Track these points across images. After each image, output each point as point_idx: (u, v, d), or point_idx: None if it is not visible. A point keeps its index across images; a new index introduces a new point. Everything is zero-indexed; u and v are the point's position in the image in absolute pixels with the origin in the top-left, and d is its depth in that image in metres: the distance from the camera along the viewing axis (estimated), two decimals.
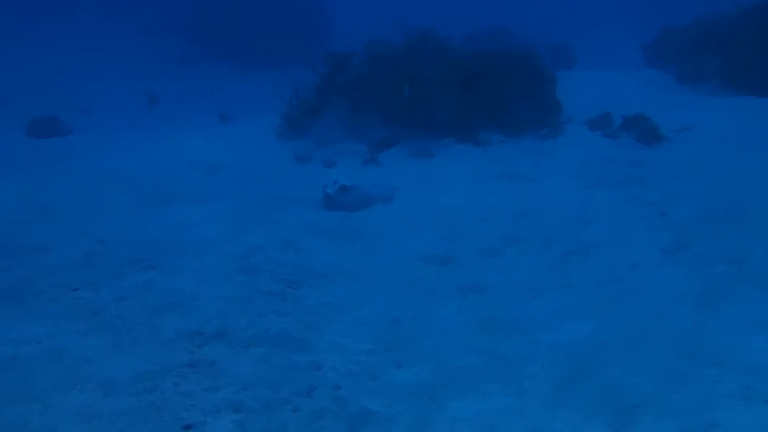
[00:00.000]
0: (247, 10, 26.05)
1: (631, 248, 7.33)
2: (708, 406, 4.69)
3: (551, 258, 7.22)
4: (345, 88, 12.10)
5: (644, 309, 6.06)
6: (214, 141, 12.09)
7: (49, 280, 6.81)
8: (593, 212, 8.34)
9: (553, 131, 11.63)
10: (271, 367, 5.30)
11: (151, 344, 5.60)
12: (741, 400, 4.73)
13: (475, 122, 11.44)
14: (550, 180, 9.62)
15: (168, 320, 5.97)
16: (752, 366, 5.08)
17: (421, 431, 4.57)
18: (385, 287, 6.65)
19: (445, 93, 11.38)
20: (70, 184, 9.82)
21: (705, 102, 13.26)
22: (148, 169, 10.66)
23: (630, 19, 26.78)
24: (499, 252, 7.40)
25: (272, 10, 26.12)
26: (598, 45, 26.30)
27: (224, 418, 4.70)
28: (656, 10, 25.31)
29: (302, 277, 6.85)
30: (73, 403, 4.82)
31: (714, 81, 14.93)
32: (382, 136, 11.28)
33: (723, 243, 7.28)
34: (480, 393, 4.95)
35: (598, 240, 7.56)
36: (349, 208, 8.65)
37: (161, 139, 12.37)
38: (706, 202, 8.37)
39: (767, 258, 6.88)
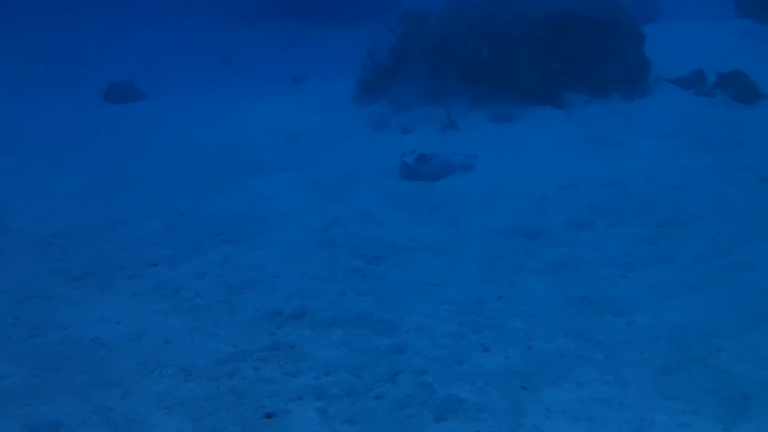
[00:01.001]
0: None
1: (732, 218, 6.85)
2: None
3: (646, 230, 6.79)
4: (422, 50, 11.71)
5: (753, 285, 5.62)
6: (290, 106, 11.92)
7: (130, 255, 6.80)
8: (688, 179, 7.86)
9: (641, 90, 11.04)
10: (352, 350, 5.10)
11: (231, 325, 5.47)
12: None
13: (559, 82, 10.94)
14: (640, 143, 9.13)
15: (248, 299, 5.84)
16: None
17: (514, 423, 4.29)
18: (469, 263, 6.35)
19: (527, 53, 10.89)
20: (150, 153, 9.83)
21: None
22: (226, 136, 10.56)
23: None
24: (589, 224, 7.00)
25: None
26: None
27: (307, 406, 4.52)
28: None
29: (382, 253, 6.62)
30: (154, 388, 4.72)
31: None
32: (461, 99, 10.90)
33: None
34: (574, 381, 4.63)
35: (695, 209, 7.10)
36: (428, 178, 8.36)
37: (237, 104, 12.26)
38: None
39: None
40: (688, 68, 11.63)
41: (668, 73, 11.67)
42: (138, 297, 5.98)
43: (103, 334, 5.40)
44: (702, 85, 11.04)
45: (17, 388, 4.74)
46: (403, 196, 7.91)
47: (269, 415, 4.46)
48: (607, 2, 12.31)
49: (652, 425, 4.18)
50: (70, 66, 18.08)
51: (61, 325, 5.55)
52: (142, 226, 7.44)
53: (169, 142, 10.27)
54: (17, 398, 4.62)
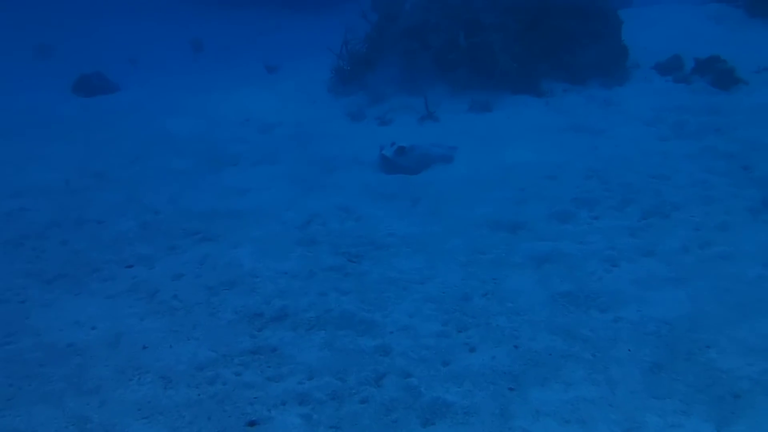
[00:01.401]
0: None
1: (716, 208, 6.82)
2: None
3: (629, 221, 6.75)
4: (398, 38, 11.59)
5: (737, 276, 5.61)
6: (265, 96, 11.78)
7: (105, 255, 6.63)
8: (670, 167, 7.82)
9: (619, 77, 11.03)
10: (336, 352, 5.01)
11: (211, 328, 5.36)
12: None
13: (537, 69, 10.86)
14: (619, 131, 9.10)
15: (227, 300, 5.72)
16: None
17: (503, 426, 4.24)
18: (451, 259, 6.27)
19: (504, 40, 10.79)
20: (122, 147, 9.63)
21: None
22: (200, 128, 10.40)
23: None
24: (572, 215, 6.95)
25: None
26: None
27: (290, 412, 4.44)
28: None
29: (363, 249, 6.51)
30: (132, 396, 4.61)
31: None
32: (438, 88, 10.80)
33: None
34: (563, 381, 4.58)
35: (677, 199, 7.07)
36: (408, 171, 8.26)
37: (211, 95, 12.09)
38: None
39: None
40: (665, 54, 11.62)
41: (645, 59, 11.66)
42: (114, 300, 5.83)
43: (78, 339, 5.26)
44: (680, 71, 11.03)
45: None
46: (383, 190, 7.80)
47: (252, 423, 4.37)
48: None
49: (643, 426, 4.14)
50: (37, 55, 17.72)
51: (34, 331, 5.40)
52: (116, 224, 7.26)
53: (142, 135, 10.07)
54: None
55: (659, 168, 7.83)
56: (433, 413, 4.39)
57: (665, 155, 8.18)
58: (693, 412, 4.24)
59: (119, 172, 8.77)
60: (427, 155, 8.42)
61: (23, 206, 7.72)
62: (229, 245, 6.71)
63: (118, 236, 7.00)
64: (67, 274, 6.28)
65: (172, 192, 8.07)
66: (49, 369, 4.93)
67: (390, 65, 11.53)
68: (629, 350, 4.82)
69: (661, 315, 5.18)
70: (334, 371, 4.80)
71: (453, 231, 6.79)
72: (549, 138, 9.07)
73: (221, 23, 21.88)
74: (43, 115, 11.42)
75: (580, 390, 4.49)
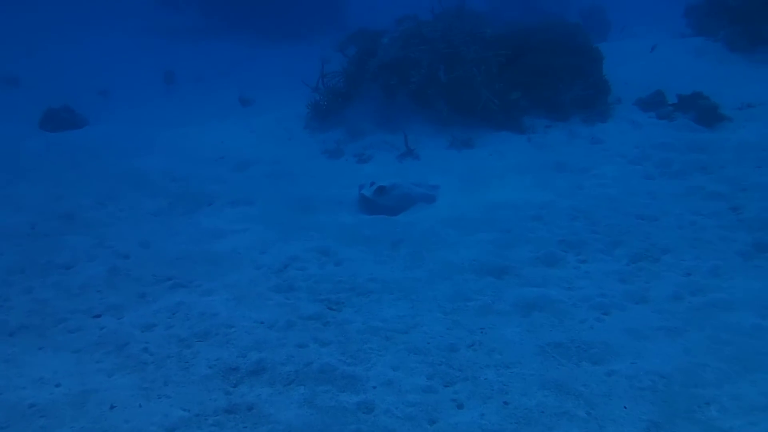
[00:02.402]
0: None
1: (706, 252, 6.72)
2: None
3: (618, 265, 6.63)
4: (376, 73, 11.48)
5: (734, 327, 5.47)
6: (240, 133, 11.64)
7: (72, 304, 6.36)
8: (657, 208, 7.73)
9: (601, 113, 10.98)
10: (316, 410, 4.79)
11: (183, 384, 5.11)
12: None
13: (518, 105, 10.79)
14: (604, 170, 9.02)
15: (200, 353, 5.48)
16: None
17: None
18: (435, 307, 6.09)
19: (485, 75, 10.72)
20: (92, 186, 9.36)
21: (764, 74, 12.46)
22: (173, 166, 10.17)
23: None
24: (559, 259, 6.81)
25: None
26: (635, 5, 25.44)
27: None
28: None
29: (344, 296, 6.32)
30: None
31: None
32: (418, 124, 10.69)
33: None
34: None
35: (667, 242, 6.96)
36: (388, 211, 8.12)
37: (185, 131, 11.90)
38: None
39: None
40: (647, 89, 11.63)
41: (627, 94, 11.65)
42: (80, 354, 5.57)
43: (41, 398, 4.99)
44: (662, 107, 11.01)
45: None
46: (363, 232, 7.62)
47: None
48: (563, 22, 12.28)
49: None
50: (2, 86, 17.47)
51: None
52: (84, 270, 7.01)
53: (112, 174, 9.82)
54: None
55: (646, 209, 7.74)
56: None
57: (652, 195, 8.09)
58: None
59: (88, 213, 8.52)
60: (408, 195, 8.28)
61: None
62: (203, 292, 6.48)
63: (86, 283, 6.74)
64: (30, 326, 6.01)
65: (144, 235, 7.84)
66: None
67: (368, 100, 11.42)
68: (625, 407, 4.65)
69: (656, 368, 5.02)
70: (315, 431, 4.58)
71: (437, 276, 6.62)
72: (532, 176, 8.97)
73: (194, 55, 21.81)
74: (7, 151, 11.10)
75: None
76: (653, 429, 4.44)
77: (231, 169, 10.12)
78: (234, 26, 24.31)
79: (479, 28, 11.61)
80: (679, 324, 5.59)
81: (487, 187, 8.70)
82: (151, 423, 4.68)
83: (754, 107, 10.64)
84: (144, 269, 7.01)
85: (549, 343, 5.45)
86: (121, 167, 10.14)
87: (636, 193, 8.20)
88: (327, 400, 4.88)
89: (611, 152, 9.62)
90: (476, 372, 5.15)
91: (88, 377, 5.23)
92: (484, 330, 5.69)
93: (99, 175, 9.83)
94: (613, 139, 10.09)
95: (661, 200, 7.94)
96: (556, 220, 7.64)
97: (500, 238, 7.31)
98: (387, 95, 11.24)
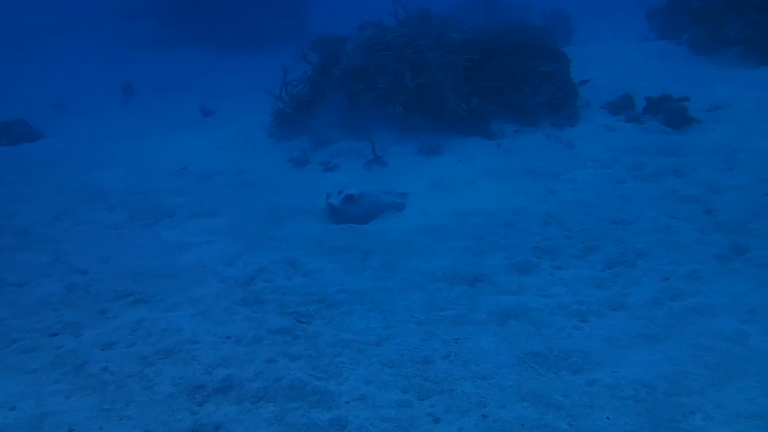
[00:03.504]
0: None
1: (682, 256, 6.65)
2: None
3: (593, 271, 6.53)
4: (341, 79, 11.34)
5: (716, 333, 5.38)
6: (203, 142, 11.43)
7: (26, 323, 6.11)
8: (631, 212, 7.67)
9: (570, 117, 10.95)
10: (287, 428, 4.61)
11: (145, 404, 4.91)
12: None
13: (486, 110, 10.71)
14: (576, 174, 8.94)
15: (163, 371, 5.27)
16: None
17: None
18: (408, 317, 5.95)
19: (452, 80, 10.62)
20: (47, 201, 9.10)
21: (730, 76, 12.56)
22: (132, 179, 9.95)
23: None
24: (533, 266, 6.70)
25: None
26: (597, 9, 25.62)
27: None
28: None
29: (313, 308, 6.16)
30: None
31: (734, 49, 14.15)
32: (385, 131, 10.56)
33: None
34: None
35: (642, 246, 6.89)
36: (357, 220, 7.97)
37: (144, 142, 11.67)
38: (756, 193, 7.72)
39: None
40: (614, 92, 11.66)
41: (595, 97, 11.67)
42: (36, 375, 5.33)
43: None
44: (631, 110, 11.01)
45: None
46: (331, 242, 7.45)
47: None
48: (530, 26, 12.25)
49: None
50: None
51: None
52: (39, 287, 6.76)
53: (69, 188, 9.57)
54: None
55: (620, 213, 7.68)
56: None
57: (625, 199, 8.03)
58: None
59: (43, 229, 8.25)
60: (377, 203, 8.14)
61: None
62: (165, 308, 6.27)
63: (42, 301, 6.50)
64: None
65: (102, 250, 7.61)
66: None
67: (333, 108, 11.27)
68: (608, 418, 4.54)
69: (638, 377, 4.91)
70: None
71: (409, 286, 6.48)
72: (503, 182, 8.88)
73: (154, 66, 21.56)
74: None
75: None
76: None
77: (193, 181, 9.91)
78: (194, 37, 24.09)
79: (445, 33, 11.53)
80: (660, 330, 5.50)
81: (458, 193, 8.59)
82: None
83: (722, 109, 10.66)
84: (103, 285, 6.78)
85: (527, 352, 5.33)
86: (78, 181, 9.89)
87: (609, 197, 8.14)
88: (298, 418, 4.71)
89: (582, 156, 9.57)
90: (452, 384, 5.01)
91: (45, 399, 5.00)
92: (460, 341, 5.56)
93: (55, 189, 9.56)
94: (584, 143, 10.04)
95: (634, 204, 7.88)
96: (529, 226, 7.54)
97: (473, 245, 7.19)
98: (352, 102, 11.11)
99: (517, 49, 11.19)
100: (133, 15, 27.15)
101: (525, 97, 10.88)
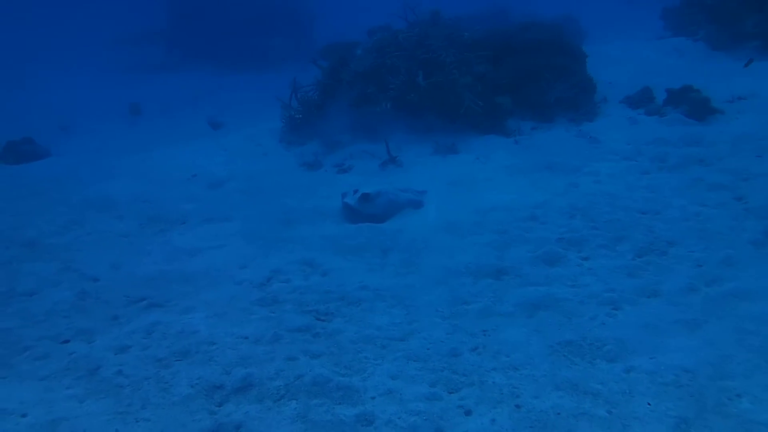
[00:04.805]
0: (222, 13, 25.33)
1: (715, 242, 6.49)
2: None
3: (623, 261, 6.37)
4: (352, 82, 11.24)
5: (758, 316, 5.20)
6: (212, 151, 11.33)
7: (37, 331, 5.98)
8: (659, 202, 7.51)
9: (588, 113, 10.82)
10: (311, 425, 4.46)
11: (162, 406, 4.77)
12: None
13: (502, 107, 10.58)
14: (598, 167, 8.80)
15: (180, 372, 5.13)
16: None
17: None
18: (432, 312, 5.80)
19: (466, 77, 10.50)
20: (55, 213, 8.97)
21: (749, 69, 12.38)
22: (142, 189, 9.82)
23: None
24: (560, 257, 6.55)
25: (250, 11, 25.37)
26: (610, 14, 25.49)
27: None
28: None
29: (333, 306, 6.01)
30: None
31: (752, 44, 14.01)
32: (398, 132, 10.43)
33: None
34: None
35: (672, 235, 6.73)
36: (374, 219, 7.83)
37: (153, 153, 11.57)
38: None
39: None
40: (633, 88, 11.52)
41: (613, 93, 11.53)
42: (48, 381, 5.20)
43: (6, 430, 4.61)
44: (651, 103, 10.87)
45: None
46: (349, 242, 7.32)
47: None
48: (542, 23, 12.13)
49: None
50: None
51: None
52: (50, 296, 6.64)
53: (77, 200, 9.44)
54: None
55: (647, 203, 7.52)
56: None
57: (651, 189, 7.88)
58: None
59: (52, 239, 8.13)
60: (394, 201, 8.00)
61: None
62: (180, 311, 6.14)
63: (52, 309, 6.37)
64: None
65: (113, 258, 7.49)
66: None
67: (344, 110, 11.16)
68: (649, 404, 4.36)
69: (678, 362, 4.74)
70: None
71: (431, 281, 6.34)
72: (523, 178, 8.74)
73: (160, 87, 21.56)
74: None
75: None
76: (683, 425, 4.15)
77: (204, 187, 9.79)
78: (199, 60, 24.16)
79: (457, 33, 11.44)
80: (698, 316, 5.33)
81: (477, 190, 8.45)
82: None
83: (746, 99, 10.53)
84: (115, 291, 6.65)
85: (558, 342, 5.17)
86: (87, 192, 9.77)
87: (634, 188, 7.99)
88: (322, 414, 4.56)
89: (603, 150, 9.42)
90: (483, 376, 4.85)
91: (58, 405, 4.87)
92: (487, 332, 5.41)
93: (63, 202, 9.45)
94: (604, 136, 9.89)
95: (661, 194, 7.72)
96: (553, 219, 7.40)
97: (496, 239, 7.04)
98: (364, 104, 10.99)
99: (531, 46, 11.08)
100: (137, 41, 27.28)
101: (541, 93, 10.75)
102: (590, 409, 4.38)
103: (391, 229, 7.59)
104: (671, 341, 5.03)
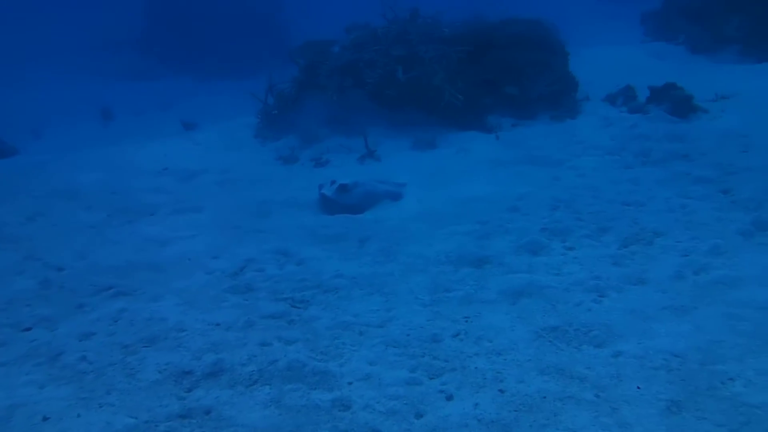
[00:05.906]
0: (199, 21, 25.19)
1: (702, 233, 6.40)
2: None
3: (609, 250, 6.26)
4: (329, 77, 11.09)
5: (748, 302, 5.11)
6: (185, 146, 11.12)
7: None
8: (642, 195, 7.44)
9: (570, 109, 10.74)
10: (285, 410, 4.29)
11: (129, 392, 4.57)
12: None
13: (482, 103, 10.47)
14: (580, 162, 8.73)
15: (148, 359, 4.94)
16: None
17: None
18: (411, 299, 5.65)
19: (446, 71, 10.39)
20: (18, 203, 8.72)
21: (731, 70, 12.43)
22: (111, 180, 9.58)
23: None
24: (543, 246, 6.43)
25: (227, 19, 25.27)
26: (591, 20, 25.51)
27: None
28: None
29: (308, 294, 5.85)
30: None
31: (733, 48, 14.07)
32: (377, 127, 10.29)
33: None
34: (565, 428, 3.96)
35: (658, 226, 6.63)
36: (352, 210, 7.68)
37: (122, 148, 11.34)
38: None
39: None
40: (615, 87, 11.44)
41: (595, 92, 11.46)
42: (6, 368, 4.98)
43: None
44: (634, 101, 10.81)
45: None
46: (326, 231, 7.16)
47: None
48: (524, 19, 12.05)
49: None
50: None
51: None
52: (11, 284, 6.40)
53: (42, 191, 9.18)
54: None
55: (631, 195, 7.45)
56: None
57: (635, 182, 7.81)
58: None
59: (14, 229, 7.88)
60: (372, 192, 7.86)
61: None
62: (148, 299, 5.94)
63: (13, 297, 6.14)
64: None
65: (79, 247, 7.27)
66: None
67: (321, 105, 11.00)
68: (638, 388, 4.23)
69: (668, 347, 4.63)
70: None
71: (411, 269, 6.20)
72: (504, 171, 8.64)
73: (134, 92, 21.29)
74: None
75: None
76: (674, 408, 4.03)
77: (176, 180, 9.57)
78: (174, 67, 23.94)
79: (437, 29, 11.34)
80: (686, 302, 5.23)
81: (458, 182, 8.33)
82: None
83: (729, 98, 10.50)
84: (81, 280, 6.44)
85: (543, 327, 5.05)
86: (53, 183, 9.53)
87: (618, 181, 7.92)
88: (297, 399, 4.40)
89: (586, 145, 9.34)
90: (465, 361, 4.71)
91: (16, 391, 4.67)
92: (469, 319, 5.27)
93: (27, 192, 9.19)
94: (586, 133, 9.82)
95: (645, 186, 7.66)
96: (535, 210, 7.30)
97: (477, 229, 6.93)
98: (341, 98, 10.84)
99: (513, 41, 10.98)
100: (113, 47, 26.98)
101: (522, 89, 10.66)
102: (577, 392, 4.25)
103: (368, 220, 7.45)
104: (660, 327, 4.92)
